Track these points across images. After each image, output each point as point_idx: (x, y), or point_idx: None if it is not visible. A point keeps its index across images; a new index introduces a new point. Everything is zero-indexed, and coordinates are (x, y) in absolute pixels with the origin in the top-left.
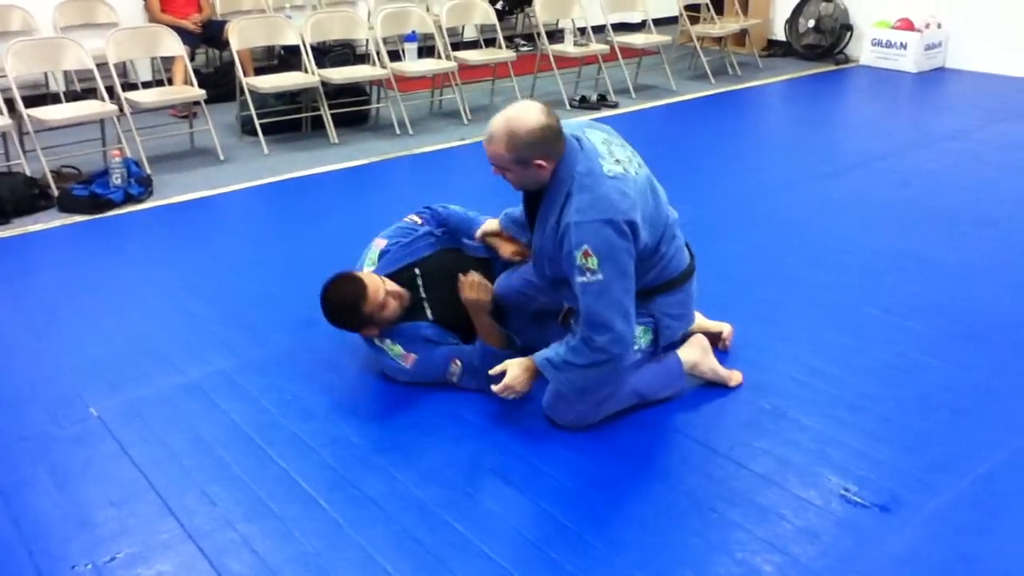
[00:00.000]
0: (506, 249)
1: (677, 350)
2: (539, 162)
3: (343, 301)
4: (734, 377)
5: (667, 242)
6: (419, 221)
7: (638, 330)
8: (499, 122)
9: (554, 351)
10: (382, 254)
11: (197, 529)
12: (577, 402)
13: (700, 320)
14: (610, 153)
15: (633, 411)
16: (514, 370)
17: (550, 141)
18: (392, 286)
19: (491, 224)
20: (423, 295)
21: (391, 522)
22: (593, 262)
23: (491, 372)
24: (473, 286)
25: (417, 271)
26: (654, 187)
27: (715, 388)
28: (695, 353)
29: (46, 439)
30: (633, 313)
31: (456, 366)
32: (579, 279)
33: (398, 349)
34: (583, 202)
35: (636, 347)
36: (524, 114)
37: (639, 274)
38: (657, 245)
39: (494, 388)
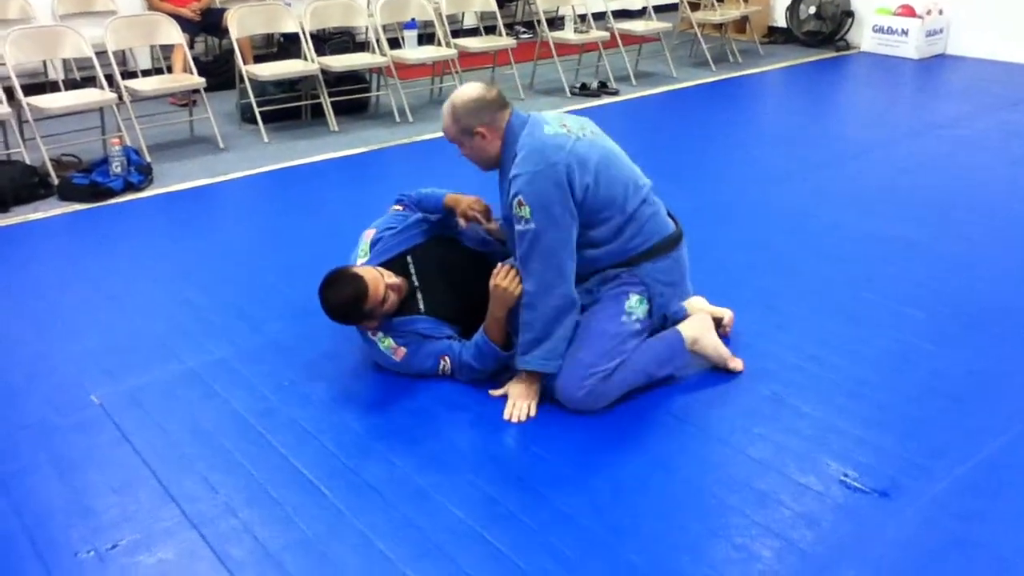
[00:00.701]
0: (464, 205)
1: (678, 326)
2: (480, 130)
3: (345, 300)
4: (735, 361)
5: (636, 201)
6: (402, 209)
7: (633, 299)
8: (446, 102)
9: (517, 345)
10: (373, 243)
11: (198, 515)
12: (584, 378)
13: (702, 304)
14: (559, 121)
15: (632, 398)
16: (513, 387)
17: (486, 110)
18: (391, 278)
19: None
20: (416, 283)
21: (391, 508)
22: (526, 211)
23: (492, 393)
24: (509, 275)
25: (410, 259)
26: (611, 147)
27: (714, 375)
28: (696, 328)
29: (47, 427)
30: (567, 268)
31: (445, 363)
32: (516, 227)
33: (389, 342)
34: (521, 158)
35: (634, 317)
36: (463, 90)
37: (614, 234)
38: (624, 203)
39: (505, 416)
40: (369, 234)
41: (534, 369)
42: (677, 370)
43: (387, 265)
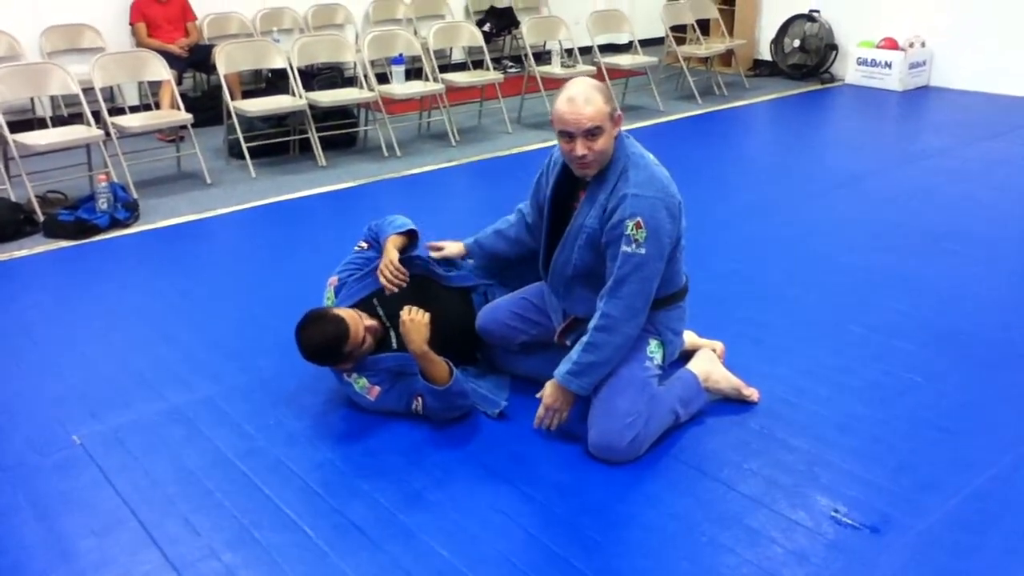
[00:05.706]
0: (383, 263)
1: (686, 366)
2: (618, 116)
3: (326, 340)
4: (750, 390)
5: (680, 250)
6: (366, 246)
7: (653, 344)
8: (584, 89)
9: (571, 361)
10: (337, 290)
11: (180, 559)
12: (626, 427)
13: (692, 338)
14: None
15: None
16: (548, 390)
17: None
18: (368, 321)
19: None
20: (387, 324)
21: (377, 550)
22: (642, 235)
23: (538, 396)
24: (411, 310)
25: (376, 301)
26: None
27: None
28: (704, 364)
29: (27, 467)
30: (651, 299)
31: (417, 403)
32: (624, 248)
33: (363, 382)
34: (640, 178)
35: (655, 362)
36: (592, 78)
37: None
38: (675, 247)
39: (535, 423)
40: (333, 281)
41: (575, 391)
42: (699, 409)
43: (354, 308)
